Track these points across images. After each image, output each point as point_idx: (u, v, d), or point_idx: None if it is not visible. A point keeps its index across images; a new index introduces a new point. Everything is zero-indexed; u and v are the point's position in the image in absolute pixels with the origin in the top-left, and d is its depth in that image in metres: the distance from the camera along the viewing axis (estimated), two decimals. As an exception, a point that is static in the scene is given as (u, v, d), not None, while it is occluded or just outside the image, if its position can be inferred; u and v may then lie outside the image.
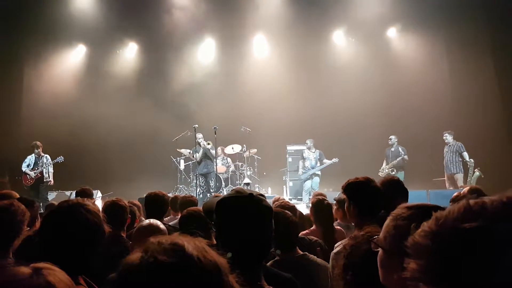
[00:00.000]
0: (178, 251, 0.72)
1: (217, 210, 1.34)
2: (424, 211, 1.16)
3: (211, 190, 9.33)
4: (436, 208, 1.19)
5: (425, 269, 0.68)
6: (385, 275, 1.16)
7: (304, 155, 10.14)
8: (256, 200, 1.32)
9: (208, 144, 9.43)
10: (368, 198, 2.31)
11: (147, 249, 0.73)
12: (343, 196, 2.54)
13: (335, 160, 9.78)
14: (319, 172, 9.94)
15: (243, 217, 1.29)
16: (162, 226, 2.32)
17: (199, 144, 9.44)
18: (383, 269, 1.17)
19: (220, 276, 0.74)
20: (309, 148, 10.10)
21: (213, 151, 9.54)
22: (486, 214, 0.67)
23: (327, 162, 9.84)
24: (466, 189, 3.93)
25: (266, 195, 8.06)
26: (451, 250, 0.66)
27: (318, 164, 9.91)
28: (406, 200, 2.86)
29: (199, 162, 9.60)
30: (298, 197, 10.29)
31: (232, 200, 1.33)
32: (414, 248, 0.71)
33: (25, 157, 8.87)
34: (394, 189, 2.76)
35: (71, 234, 1.40)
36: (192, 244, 0.75)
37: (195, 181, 9.84)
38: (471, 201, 0.70)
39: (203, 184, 9.63)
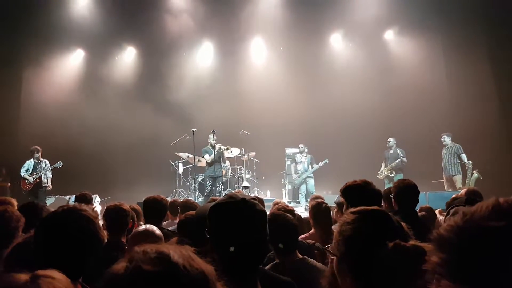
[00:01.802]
0: (163, 259, 0.71)
1: (210, 216, 1.32)
2: (365, 215, 1.19)
3: (216, 194, 9.24)
4: (377, 211, 1.21)
5: (446, 263, 0.68)
6: (341, 281, 1.17)
7: (296, 159, 10.25)
8: (249, 205, 1.30)
9: (227, 148, 9.41)
10: (366, 200, 2.30)
11: (132, 258, 0.72)
12: (342, 199, 2.54)
13: (326, 161, 9.87)
14: (312, 175, 10.02)
15: (237, 222, 1.27)
16: (158, 231, 2.30)
17: (211, 146, 9.36)
18: (338, 275, 1.18)
19: (207, 284, 0.73)
20: (301, 152, 10.19)
21: (226, 155, 9.55)
22: None
23: (318, 164, 9.94)
24: (463, 190, 3.93)
25: (265, 198, 8.08)
26: (475, 247, 0.65)
27: (310, 168, 10.01)
28: (413, 203, 2.89)
29: (209, 164, 9.41)
30: (297, 200, 10.30)
31: (225, 206, 1.31)
32: (437, 241, 0.71)
33: (24, 162, 8.84)
34: (404, 193, 2.81)
35: (64, 240, 1.39)
36: (178, 252, 0.73)
37: (193, 184, 9.80)
38: (501, 199, 0.70)
39: (209, 187, 9.48)
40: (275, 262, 2.29)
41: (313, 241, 2.83)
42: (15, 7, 10.84)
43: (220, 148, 9.31)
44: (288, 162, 10.85)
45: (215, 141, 9.34)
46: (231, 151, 9.63)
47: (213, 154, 9.27)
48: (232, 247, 1.23)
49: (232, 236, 1.26)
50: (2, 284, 0.71)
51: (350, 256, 1.13)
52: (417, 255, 1.01)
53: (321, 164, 9.92)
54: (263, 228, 1.32)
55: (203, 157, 9.49)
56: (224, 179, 10.18)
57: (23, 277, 0.73)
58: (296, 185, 10.24)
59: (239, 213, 1.28)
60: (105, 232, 3.34)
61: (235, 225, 1.27)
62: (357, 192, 2.36)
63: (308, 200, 9.35)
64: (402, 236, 1.11)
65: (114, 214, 2.98)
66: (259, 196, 5.98)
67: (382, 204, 2.86)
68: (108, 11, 11.49)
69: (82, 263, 1.42)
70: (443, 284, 0.68)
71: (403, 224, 1.20)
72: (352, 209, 1.24)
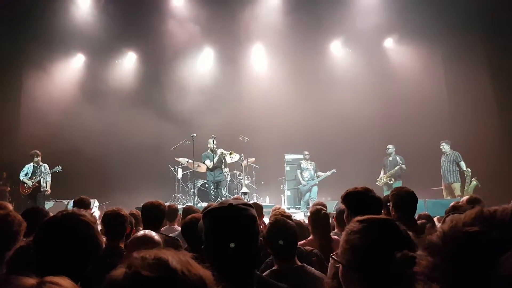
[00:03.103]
0: (161, 265, 0.72)
1: (203, 223, 1.36)
2: (372, 224, 1.20)
3: (221, 199, 9.18)
4: (385, 220, 1.23)
5: (434, 267, 0.72)
6: None
7: (302, 166, 10.29)
8: (237, 210, 1.32)
9: (230, 153, 9.40)
10: (367, 207, 2.31)
11: (130, 264, 0.72)
12: (343, 206, 2.55)
13: (334, 170, 10.00)
14: (317, 182, 10.12)
15: (224, 228, 1.30)
16: (156, 237, 2.30)
17: (211, 151, 9.33)
18: (345, 283, 1.19)
19: None
20: (306, 159, 10.23)
21: (228, 161, 9.53)
22: (493, 220, 0.70)
23: (326, 173, 10.05)
24: (465, 198, 3.92)
25: (264, 204, 8.07)
26: (457, 251, 0.70)
27: (315, 175, 10.11)
28: (411, 210, 2.90)
29: (211, 169, 9.37)
30: (296, 206, 10.29)
31: (214, 212, 1.34)
32: (428, 247, 0.75)
33: (23, 166, 8.84)
34: (402, 200, 2.83)
35: (62, 245, 1.40)
36: (176, 258, 0.74)
37: (193, 190, 9.79)
38: (485, 208, 0.74)
39: (214, 192, 9.43)
40: (273, 268, 2.29)
41: (311, 248, 2.82)
42: (17, 12, 10.89)
43: (222, 153, 9.30)
44: (288, 168, 10.85)
45: (215, 146, 9.34)
46: (233, 156, 9.61)
47: (213, 159, 9.26)
48: (233, 243, 1.25)
49: (220, 242, 1.28)
50: (9, 286, 0.72)
51: (358, 265, 1.14)
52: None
53: (328, 173, 10.05)
54: (251, 233, 1.33)
55: (203, 162, 9.46)
56: (224, 184, 10.17)
57: (30, 281, 0.73)
58: (304, 191, 10.24)
59: (224, 218, 1.31)
60: (103, 238, 3.34)
61: (222, 231, 1.30)
62: (358, 199, 2.37)
63: (309, 206, 9.39)
64: (410, 245, 1.12)
65: (112, 219, 2.97)
66: (257, 202, 5.96)
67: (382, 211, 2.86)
68: (108, 16, 11.55)
69: (80, 268, 1.43)
70: None
71: (410, 233, 1.21)
72: (359, 218, 1.24)
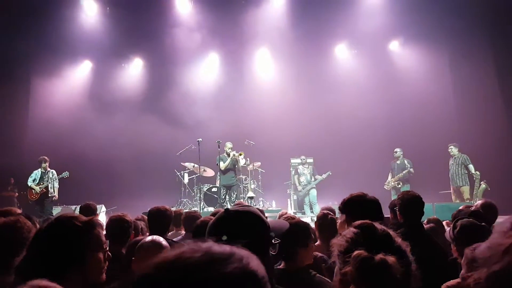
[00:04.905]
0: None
1: None
2: (362, 230, 1.25)
3: (231, 204, 9.06)
4: (360, 224, 1.26)
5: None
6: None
7: (299, 170, 10.39)
8: (230, 215, 1.32)
9: (240, 155, 9.36)
10: (363, 212, 2.29)
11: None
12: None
13: (329, 173, 10.05)
14: (315, 186, 10.16)
15: (213, 232, 1.30)
16: (164, 242, 2.29)
17: (227, 154, 9.32)
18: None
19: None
20: (303, 164, 10.29)
21: (241, 163, 9.46)
22: None
23: (322, 176, 10.09)
24: (479, 202, 3.84)
25: (270, 208, 8.03)
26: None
27: (313, 179, 10.15)
28: (418, 214, 2.88)
29: (223, 172, 9.31)
30: (302, 211, 10.26)
31: (214, 219, 1.36)
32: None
33: (31, 172, 8.91)
34: (408, 205, 2.81)
35: (51, 251, 1.40)
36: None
37: (199, 195, 9.78)
38: None
39: (223, 196, 9.34)
40: (279, 267, 2.28)
41: (321, 254, 2.79)
42: (24, 19, 11.04)
43: (234, 154, 9.29)
44: (293, 172, 10.84)
45: (231, 150, 9.34)
46: (243, 157, 9.57)
47: (227, 162, 9.24)
48: (225, 236, 1.23)
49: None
50: None
51: (340, 266, 1.23)
52: (380, 266, 1.07)
53: (324, 176, 10.05)
54: (246, 237, 1.32)
55: (217, 164, 9.43)
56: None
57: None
58: (300, 196, 10.30)
59: (217, 226, 1.31)
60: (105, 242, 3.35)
61: (211, 234, 1.30)
62: (354, 205, 2.34)
63: (314, 211, 9.36)
64: (388, 249, 1.14)
65: (116, 225, 2.98)
66: (259, 208, 5.93)
67: (383, 214, 2.84)
68: (115, 23, 11.67)
69: (71, 271, 1.42)
70: None
71: (393, 235, 1.23)
72: (356, 222, 1.29)
